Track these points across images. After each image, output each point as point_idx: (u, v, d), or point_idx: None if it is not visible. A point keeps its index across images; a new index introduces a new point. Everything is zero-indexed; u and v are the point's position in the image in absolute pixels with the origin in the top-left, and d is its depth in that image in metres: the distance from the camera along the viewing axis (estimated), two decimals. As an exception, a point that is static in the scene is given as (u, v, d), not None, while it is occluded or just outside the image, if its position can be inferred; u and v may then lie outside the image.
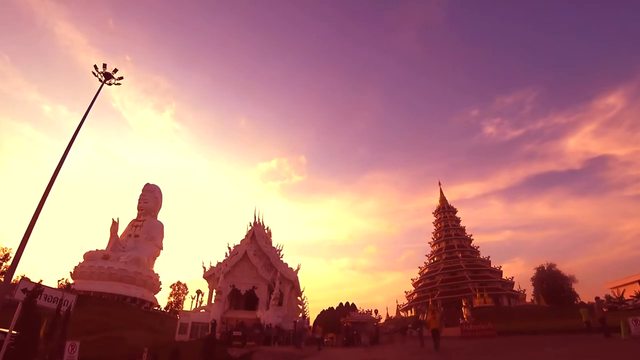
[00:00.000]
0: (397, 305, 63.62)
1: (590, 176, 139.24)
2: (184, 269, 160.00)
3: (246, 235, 31.93)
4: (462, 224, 66.15)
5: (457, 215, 68.06)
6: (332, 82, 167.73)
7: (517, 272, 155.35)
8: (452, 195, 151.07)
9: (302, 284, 34.26)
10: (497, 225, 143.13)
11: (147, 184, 54.64)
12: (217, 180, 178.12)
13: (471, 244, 63.71)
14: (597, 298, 15.91)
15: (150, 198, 53.08)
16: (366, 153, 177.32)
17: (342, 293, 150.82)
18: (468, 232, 65.06)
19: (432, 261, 65.13)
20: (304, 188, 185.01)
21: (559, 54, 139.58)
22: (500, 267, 59.38)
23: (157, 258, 51.23)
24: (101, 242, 51.47)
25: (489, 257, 60.98)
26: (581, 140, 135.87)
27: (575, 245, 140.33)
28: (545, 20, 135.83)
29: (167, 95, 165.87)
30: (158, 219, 54.30)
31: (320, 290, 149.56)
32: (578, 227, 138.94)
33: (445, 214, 67.37)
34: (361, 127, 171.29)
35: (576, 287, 47.80)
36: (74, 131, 15.76)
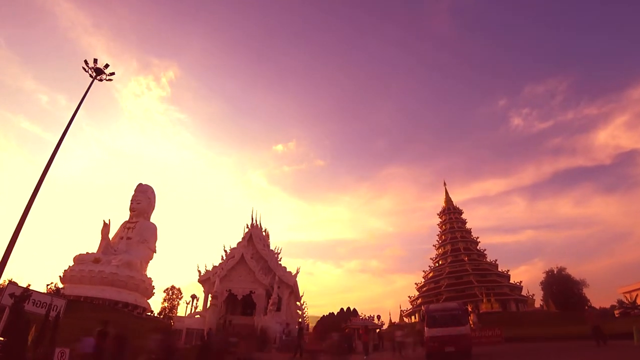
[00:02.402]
0: (401, 310, 62.34)
1: (618, 172, 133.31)
2: (178, 272, 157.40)
3: (243, 238, 31.35)
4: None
5: (466, 216, 66.29)
6: (357, 69, 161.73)
7: (536, 273, 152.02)
8: (475, 192, 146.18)
9: (306, 288, 33.65)
10: (518, 224, 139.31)
11: (140, 184, 53.43)
12: (219, 176, 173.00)
13: (477, 247, 62.16)
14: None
15: (143, 199, 51.86)
16: (385, 146, 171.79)
17: (350, 297, 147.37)
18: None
19: (436, 265, 63.56)
20: (318, 178, 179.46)
21: (594, 40, 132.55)
22: (508, 270, 58.25)
23: (150, 261, 50.11)
24: (92, 245, 50.21)
25: (496, 260, 59.74)
26: (612, 133, 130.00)
27: (598, 245, 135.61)
28: (581, 8, 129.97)
29: (169, 75, 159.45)
30: (151, 220, 53.21)
31: (325, 294, 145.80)
32: (602, 227, 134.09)
33: (451, 215, 65.48)
34: (382, 117, 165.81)
35: (588, 292, 46.37)
36: (74, 126, 15.13)
